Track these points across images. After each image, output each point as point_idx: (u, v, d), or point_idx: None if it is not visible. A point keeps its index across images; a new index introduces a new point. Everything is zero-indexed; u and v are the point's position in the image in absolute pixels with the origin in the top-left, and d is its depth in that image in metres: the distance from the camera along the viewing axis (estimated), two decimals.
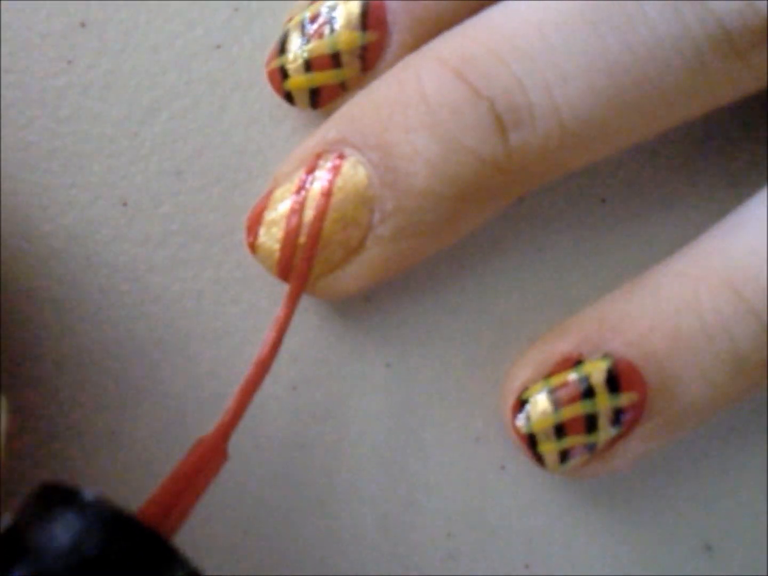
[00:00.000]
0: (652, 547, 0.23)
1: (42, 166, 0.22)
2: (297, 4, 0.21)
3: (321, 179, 0.20)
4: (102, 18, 0.22)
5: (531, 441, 0.21)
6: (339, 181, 0.20)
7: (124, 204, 0.22)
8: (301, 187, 0.20)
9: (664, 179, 0.23)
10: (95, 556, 0.15)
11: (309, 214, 0.20)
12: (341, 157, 0.20)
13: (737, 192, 0.22)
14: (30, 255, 0.22)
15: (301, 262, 0.20)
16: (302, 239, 0.20)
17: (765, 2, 0.18)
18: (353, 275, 0.21)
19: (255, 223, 0.21)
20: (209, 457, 0.19)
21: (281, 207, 0.20)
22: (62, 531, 0.16)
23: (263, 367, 0.20)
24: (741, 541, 0.23)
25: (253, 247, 0.21)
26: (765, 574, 0.23)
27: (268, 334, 0.20)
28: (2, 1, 0.22)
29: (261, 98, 0.22)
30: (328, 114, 0.21)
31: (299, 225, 0.20)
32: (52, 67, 0.22)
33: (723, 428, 0.23)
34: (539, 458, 0.21)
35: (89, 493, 0.16)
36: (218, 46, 0.22)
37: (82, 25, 0.22)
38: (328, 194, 0.20)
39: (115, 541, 0.16)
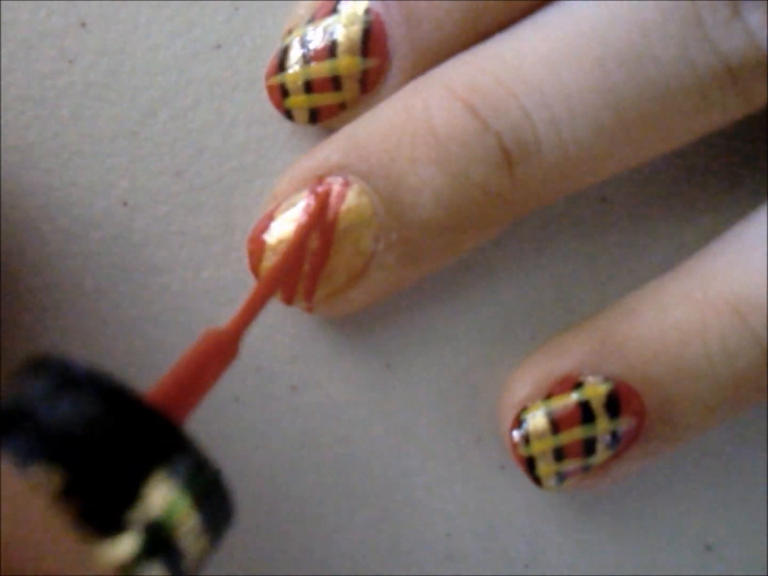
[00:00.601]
0: (652, 547, 0.23)
1: (42, 166, 0.22)
2: (300, 4, 0.21)
3: (325, 207, 0.20)
4: (102, 18, 0.22)
5: (529, 464, 0.21)
6: (344, 209, 0.20)
7: (124, 204, 0.22)
8: (305, 214, 0.20)
9: (664, 179, 0.23)
10: (83, 431, 0.13)
11: (313, 241, 0.20)
12: (346, 184, 0.20)
13: (738, 192, 0.22)
14: (30, 255, 0.22)
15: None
16: (306, 267, 0.20)
17: (766, 38, 0.18)
18: (354, 298, 0.21)
19: (257, 247, 0.20)
20: (220, 349, 0.16)
21: (283, 233, 0.20)
22: (51, 405, 0.14)
23: (283, 263, 0.19)
24: (741, 541, 0.23)
25: (256, 272, 0.20)
26: (765, 574, 0.23)
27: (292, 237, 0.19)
28: (2, 1, 0.22)
29: (261, 98, 0.22)
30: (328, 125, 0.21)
31: (303, 253, 0.20)
32: (52, 67, 0.22)
33: (723, 428, 0.23)
34: (537, 480, 0.21)
35: (84, 364, 0.14)
36: (218, 46, 0.22)
37: (82, 25, 0.22)
38: (332, 222, 0.20)
39: (112, 416, 0.14)
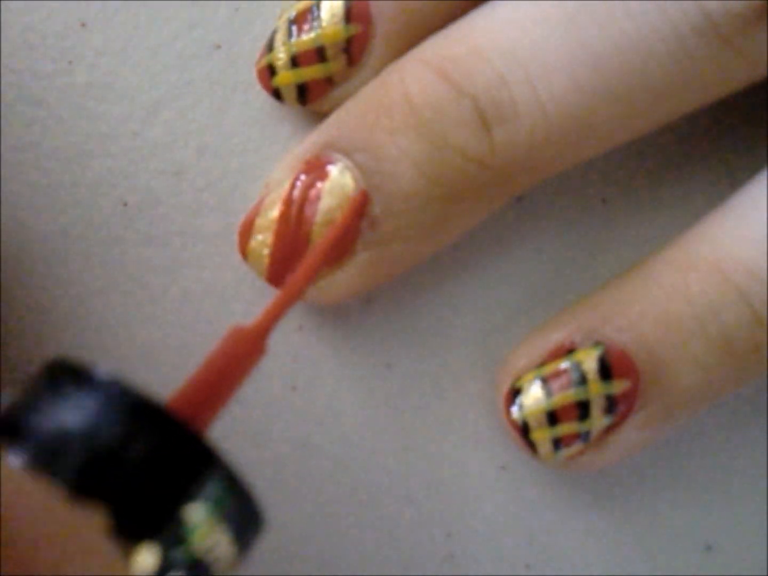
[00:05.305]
0: (652, 547, 0.23)
1: (42, 166, 0.22)
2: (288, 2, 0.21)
3: (309, 185, 0.20)
4: (102, 18, 0.22)
5: (523, 428, 0.21)
6: (327, 186, 0.20)
7: (124, 204, 0.22)
8: (290, 194, 0.20)
9: (664, 180, 0.23)
10: (110, 446, 0.13)
11: (298, 220, 0.20)
12: (329, 162, 0.20)
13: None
14: (30, 255, 0.22)
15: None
16: (289, 248, 0.20)
17: None
18: (344, 281, 0.21)
19: (246, 229, 0.21)
20: (247, 348, 0.16)
21: (271, 213, 0.20)
22: (71, 414, 0.13)
23: (316, 260, 0.19)
24: (741, 541, 0.23)
25: (244, 252, 0.21)
26: (765, 574, 0.23)
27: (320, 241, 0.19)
28: (2, 1, 0.22)
29: (261, 98, 0.22)
30: (326, 116, 0.21)
31: (288, 231, 0.20)
32: (52, 67, 0.22)
33: (723, 428, 0.23)
34: (532, 446, 0.21)
35: (106, 372, 0.14)
36: (218, 46, 0.22)
37: (82, 25, 0.22)
38: (316, 199, 0.20)
39: (137, 431, 0.13)
